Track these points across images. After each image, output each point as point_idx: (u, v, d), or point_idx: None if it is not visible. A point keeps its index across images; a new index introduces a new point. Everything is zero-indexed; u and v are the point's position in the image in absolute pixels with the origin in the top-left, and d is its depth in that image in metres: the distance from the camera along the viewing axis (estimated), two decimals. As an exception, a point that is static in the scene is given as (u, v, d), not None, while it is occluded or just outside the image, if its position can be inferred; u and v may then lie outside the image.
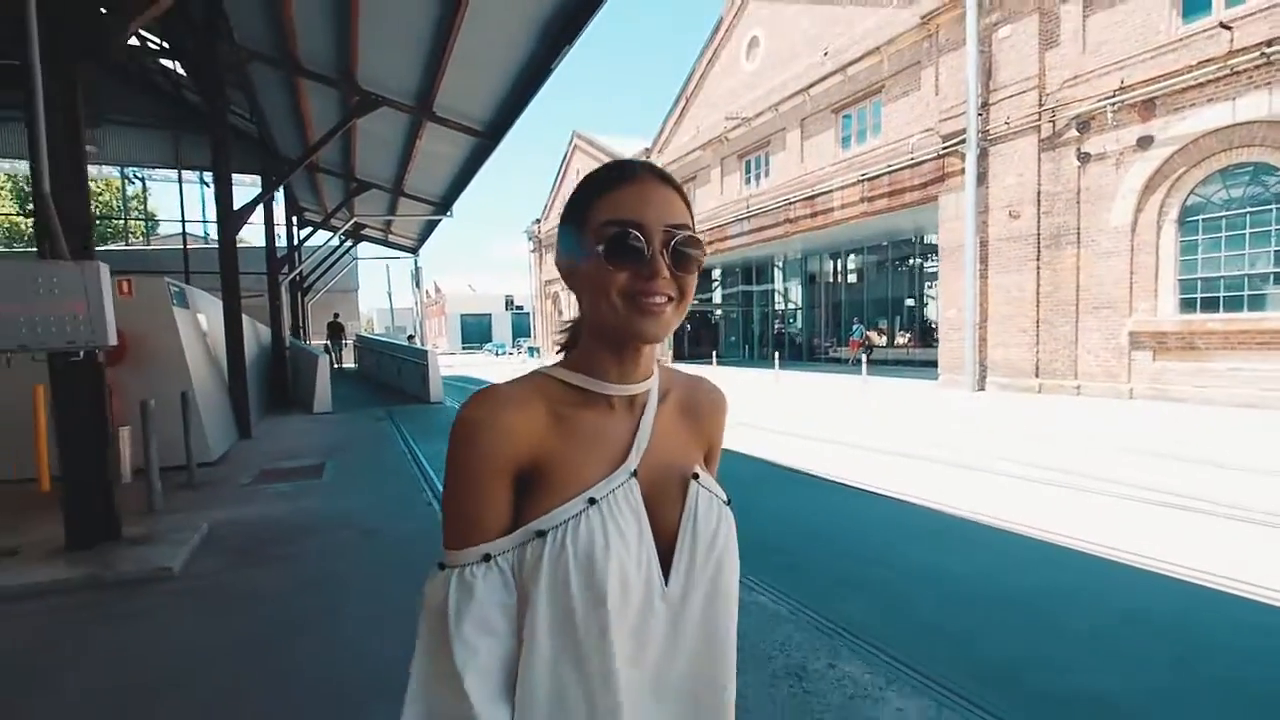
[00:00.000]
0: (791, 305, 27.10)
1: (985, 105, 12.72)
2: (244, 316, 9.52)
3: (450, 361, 32.77)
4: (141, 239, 27.16)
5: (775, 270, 27.01)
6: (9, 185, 29.78)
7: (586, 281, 0.71)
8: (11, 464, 5.89)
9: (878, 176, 15.34)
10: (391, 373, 16.54)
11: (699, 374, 0.89)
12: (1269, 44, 9.05)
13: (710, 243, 22.45)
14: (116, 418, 5.00)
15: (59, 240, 3.49)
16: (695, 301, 21.60)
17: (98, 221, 26.73)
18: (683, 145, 23.87)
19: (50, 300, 3.32)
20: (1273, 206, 9.51)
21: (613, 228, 0.68)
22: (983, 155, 12.82)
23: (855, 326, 20.75)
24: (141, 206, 29.76)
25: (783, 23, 18.68)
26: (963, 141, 12.86)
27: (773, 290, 27.53)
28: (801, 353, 25.07)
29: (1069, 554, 3.99)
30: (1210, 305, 10.26)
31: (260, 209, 12.01)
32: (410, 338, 24.12)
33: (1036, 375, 12.27)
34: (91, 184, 22.56)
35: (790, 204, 18.24)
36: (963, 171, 12.99)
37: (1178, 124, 10.18)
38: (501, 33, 7.14)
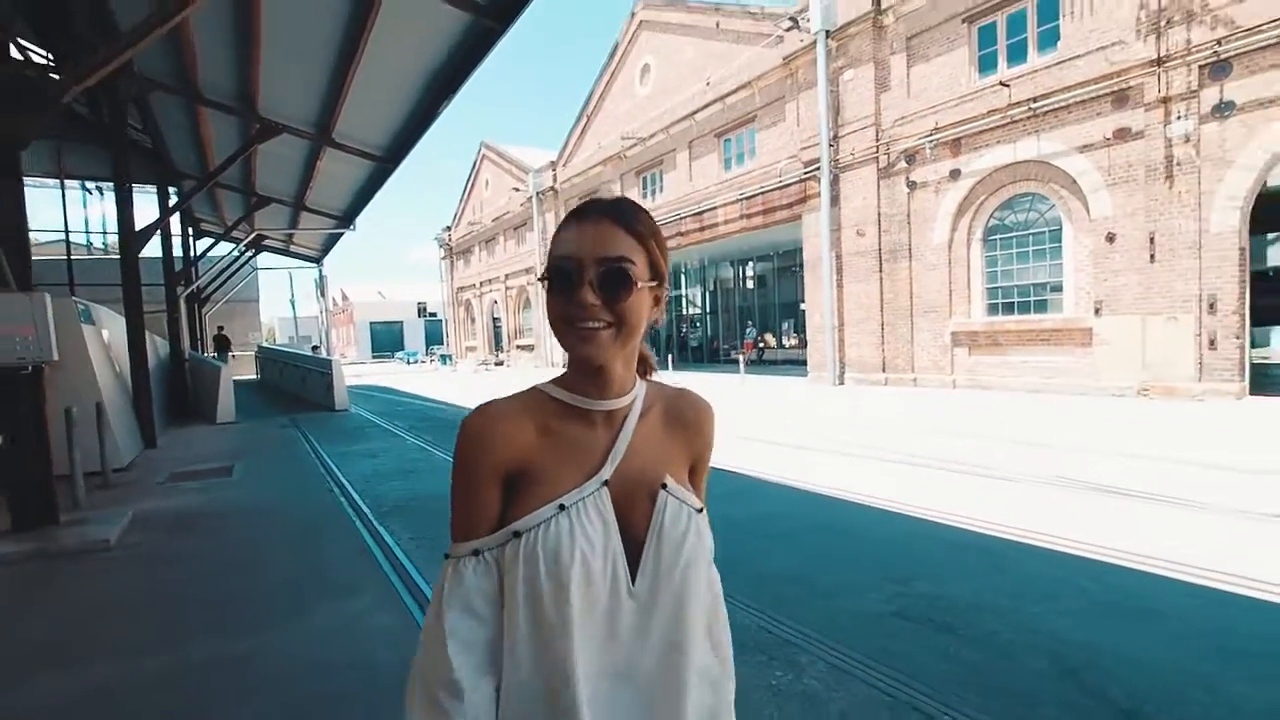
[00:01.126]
0: (695, 310, 28.89)
1: (836, 138, 14.66)
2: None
3: (359, 371, 32.53)
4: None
5: (680, 277, 28.75)
6: None
7: (548, 311, 0.81)
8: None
9: (753, 196, 17.14)
10: (296, 382, 16.86)
11: (685, 387, 0.97)
12: (1034, 100, 11.25)
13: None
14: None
15: (7, 274, 4.29)
16: None
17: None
18: (586, 160, 25.09)
19: (4, 325, 4.12)
20: (1045, 229, 11.75)
21: (554, 261, 0.79)
22: (835, 181, 14.75)
23: (749, 330, 22.63)
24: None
25: (671, 52, 20.28)
26: (819, 168, 14.75)
27: (677, 295, 29.22)
28: (702, 355, 26.81)
29: (831, 501, 5.45)
30: (1008, 309, 12.45)
31: (163, 224, 12.28)
32: (315, 348, 24.09)
33: (883, 370, 14.27)
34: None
35: (681, 219, 19.86)
36: (819, 195, 14.89)
37: (977, 160, 12.33)
38: (395, 73, 8.09)
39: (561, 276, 0.78)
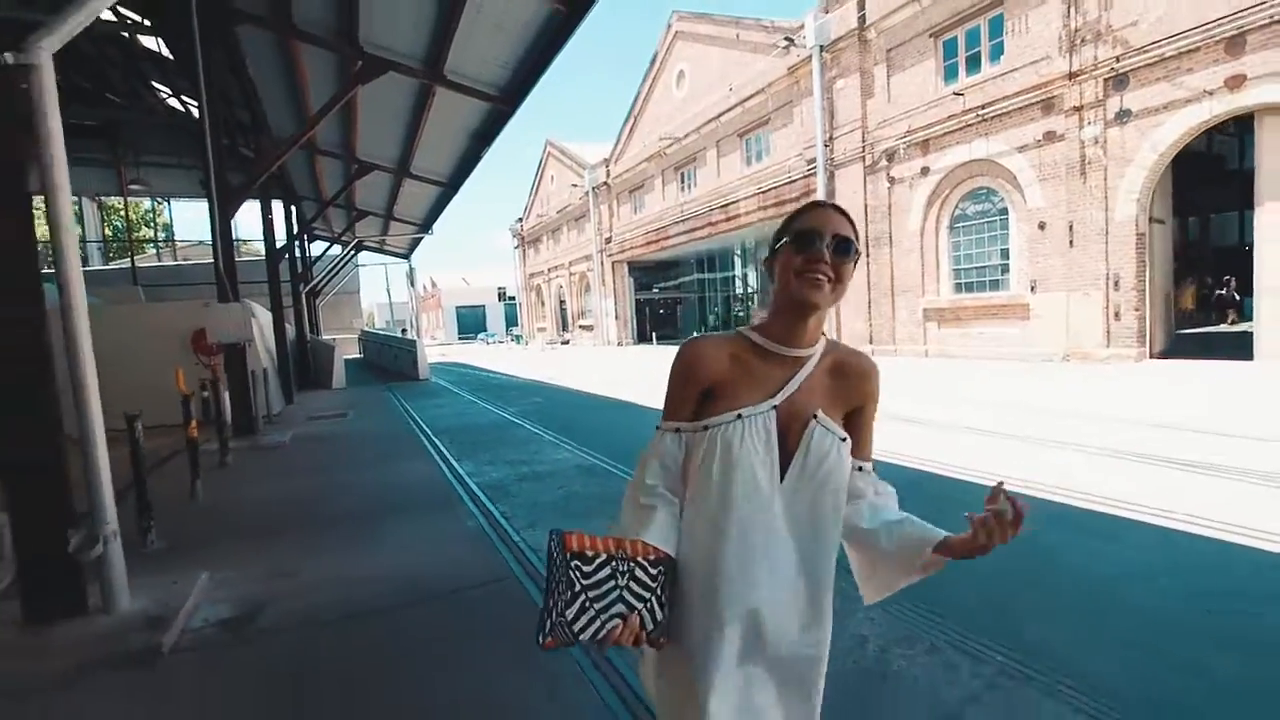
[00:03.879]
0: (751, 289, 31.12)
1: (831, 139, 16.76)
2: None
3: (444, 350, 37.03)
4: (169, 253, 31.29)
5: (735, 259, 31.04)
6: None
7: (781, 263, 1.13)
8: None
9: (767, 190, 19.43)
10: (389, 358, 20.78)
11: (858, 349, 1.26)
12: (984, 106, 13.08)
13: (656, 242, 26.61)
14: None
15: (227, 292, 7.66)
16: (657, 291, 26.13)
17: (121, 237, 30.92)
18: (634, 157, 27.81)
19: (228, 320, 7.46)
20: (996, 218, 13.59)
21: (799, 229, 1.12)
22: (831, 177, 16.87)
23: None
24: (155, 222, 33.88)
25: (702, 59, 22.61)
26: (816, 166, 16.90)
27: (733, 276, 31.55)
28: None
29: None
30: (969, 288, 14.37)
31: (285, 237, 16.14)
32: (404, 331, 28.28)
33: (871, 342, 16.41)
34: (115, 204, 26.69)
35: (711, 210, 22.34)
36: (817, 189, 17.05)
37: (942, 158, 14.23)
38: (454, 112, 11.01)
39: (806, 238, 1.10)
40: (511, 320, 60.17)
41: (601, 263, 31.60)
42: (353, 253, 24.46)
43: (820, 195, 16.88)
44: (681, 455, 1.18)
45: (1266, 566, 3.20)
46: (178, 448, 6.93)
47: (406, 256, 27.66)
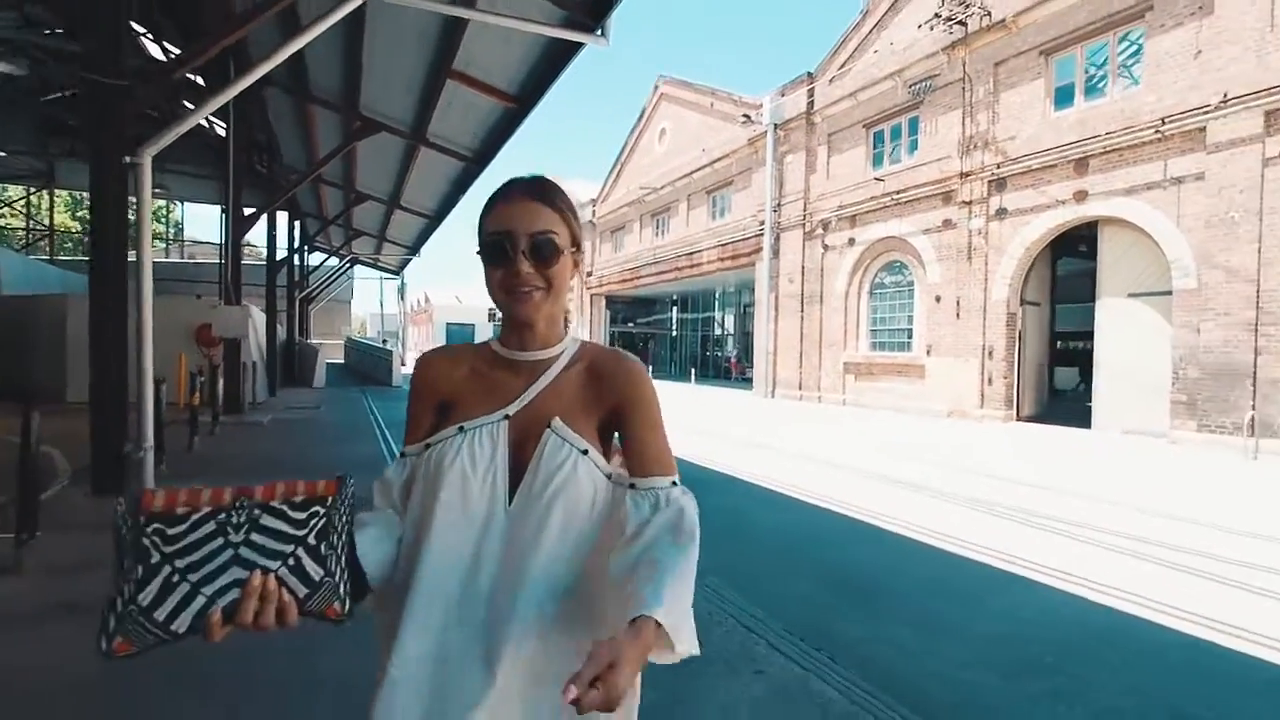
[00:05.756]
0: (727, 332, 33.02)
1: (779, 205, 18.93)
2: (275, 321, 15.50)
3: (428, 364, 38.78)
4: (176, 249, 33.15)
5: (714, 300, 33.06)
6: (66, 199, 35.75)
7: (486, 278, 0.97)
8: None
9: (726, 244, 21.55)
10: (369, 365, 22.57)
11: (620, 349, 1.07)
12: (899, 192, 15.24)
13: (630, 280, 28.67)
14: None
15: (232, 296, 9.50)
16: (633, 326, 28.36)
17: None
18: (617, 200, 30.05)
19: (231, 320, 9.27)
20: (905, 287, 15.65)
21: (488, 237, 0.95)
22: (777, 238, 19.00)
23: (733, 350, 26.90)
24: (167, 219, 35.84)
25: (681, 121, 24.97)
26: (764, 228, 19.04)
27: (711, 318, 33.57)
28: (719, 371, 31.04)
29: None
30: (882, 347, 16.36)
31: (288, 248, 18.05)
32: (384, 341, 30.10)
33: (799, 388, 18.34)
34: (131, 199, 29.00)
35: (678, 256, 24.45)
36: (763, 249, 19.17)
37: (866, 232, 16.35)
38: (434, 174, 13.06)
39: (497, 249, 0.94)
40: (498, 341, 61.91)
41: (581, 294, 33.61)
42: (347, 266, 26.41)
43: (766, 253, 19.02)
44: (399, 485, 1.03)
45: (955, 565, 5.04)
46: (177, 417, 8.68)
47: (397, 273, 29.62)
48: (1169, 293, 10.41)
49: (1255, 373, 9.27)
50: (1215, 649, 3.10)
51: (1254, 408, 9.20)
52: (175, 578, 0.70)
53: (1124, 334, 11.44)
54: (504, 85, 8.82)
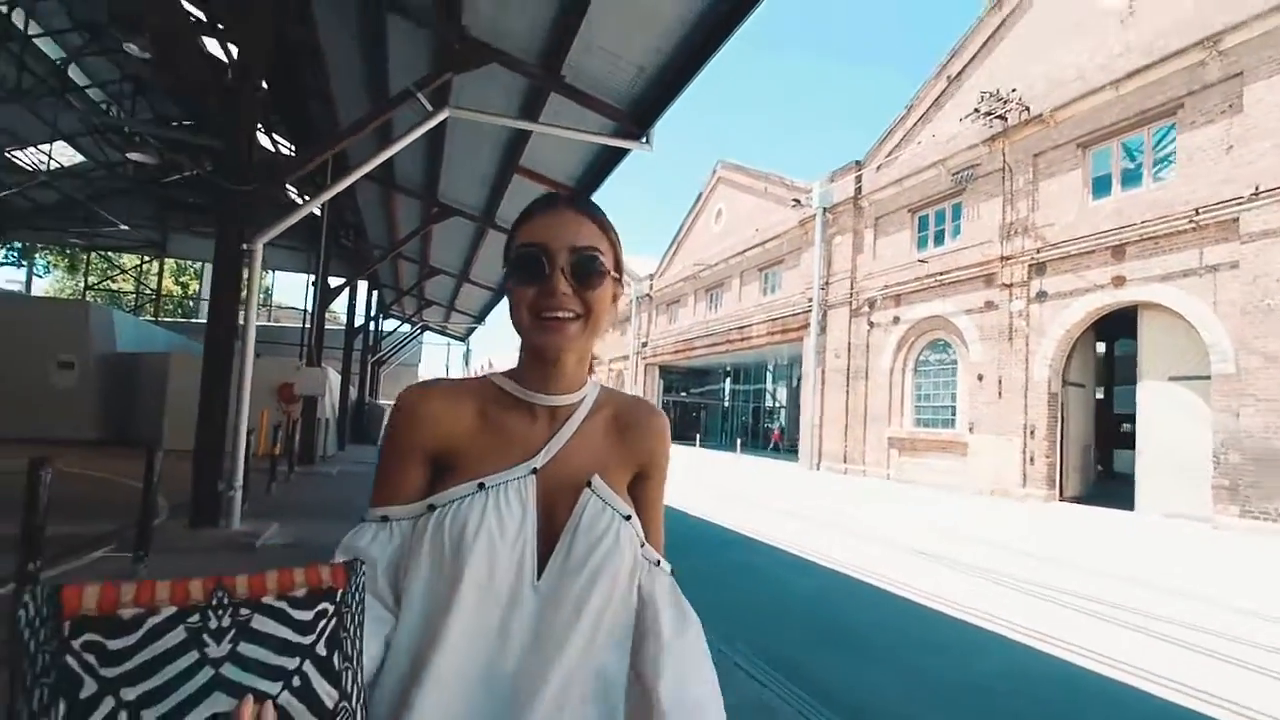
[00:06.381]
0: (779, 404, 33.26)
1: (826, 284, 19.50)
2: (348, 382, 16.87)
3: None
4: (264, 312, 36.21)
5: (767, 373, 33.48)
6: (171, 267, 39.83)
7: (510, 301, 0.80)
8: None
9: (775, 319, 22.15)
10: (432, 426, 23.83)
11: (641, 396, 0.93)
12: (942, 274, 15.60)
13: (684, 351, 29.45)
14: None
15: (314, 359, 10.68)
16: (687, 395, 29.76)
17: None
18: (674, 275, 31.29)
19: (311, 380, 10.41)
20: (950, 365, 15.76)
21: (520, 249, 0.78)
22: (823, 316, 19.48)
23: (778, 422, 27.04)
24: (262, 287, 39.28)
25: (737, 203, 26.20)
26: (813, 305, 19.57)
27: (763, 390, 33.90)
28: (765, 442, 31.11)
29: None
30: (926, 424, 16.35)
31: (365, 316, 19.72)
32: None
33: (845, 461, 18.33)
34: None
35: (729, 330, 25.15)
36: (810, 325, 19.65)
37: (910, 311, 16.67)
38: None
39: (531, 264, 0.77)
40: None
41: (636, 363, 34.58)
42: (418, 333, 28.28)
43: (813, 329, 19.48)
44: (390, 559, 0.76)
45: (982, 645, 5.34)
46: (257, 466, 9.74)
47: (464, 339, 31.39)
48: (1208, 377, 10.32)
49: (1304, 463, 9.03)
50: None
51: (1306, 500, 8.91)
52: (120, 712, 0.49)
53: (1166, 417, 11.28)
54: (564, 179, 9.94)
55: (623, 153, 8.48)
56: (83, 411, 13.22)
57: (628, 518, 0.81)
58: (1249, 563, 7.73)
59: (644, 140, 7.56)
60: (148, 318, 26.74)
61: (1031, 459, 13.29)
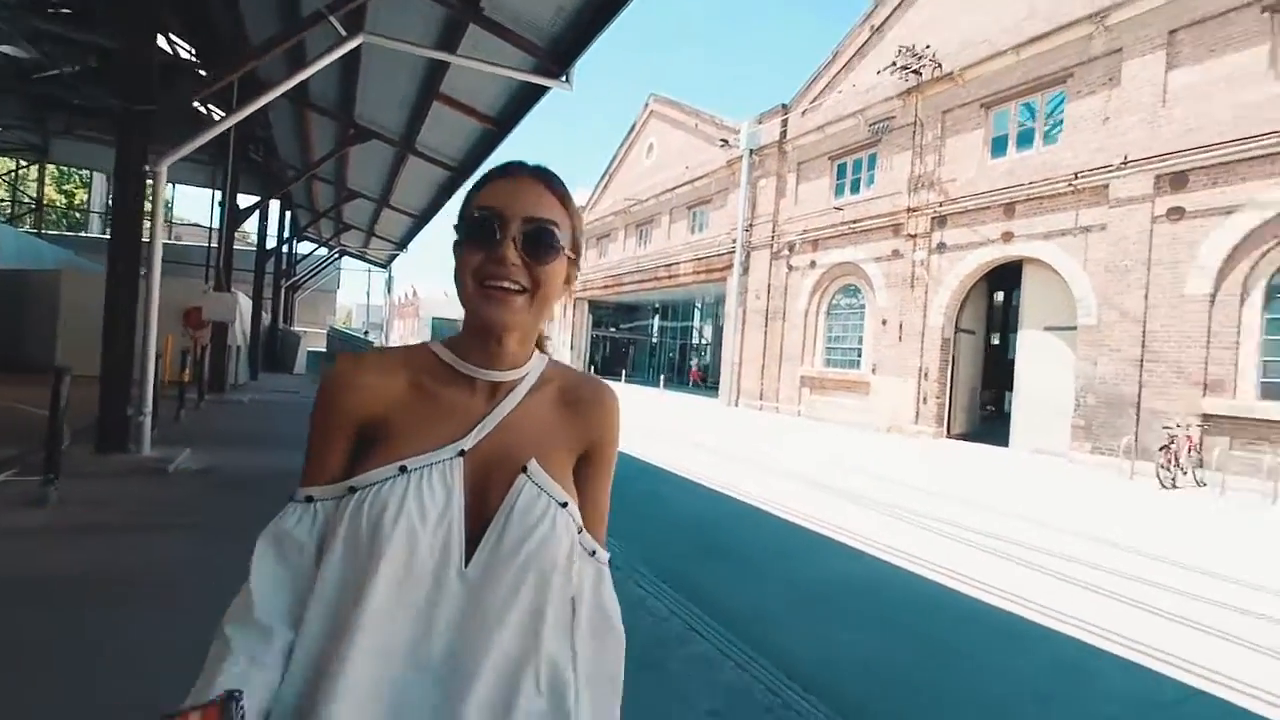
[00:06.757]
0: (706, 342, 34.05)
1: (750, 226, 20.01)
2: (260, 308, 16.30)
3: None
4: (164, 228, 33.80)
5: (695, 310, 34.08)
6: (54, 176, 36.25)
7: (456, 266, 0.76)
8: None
9: (702, 258, 22.61)
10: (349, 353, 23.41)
11: (590, 374, 0.89)
12: (855, 222, 16.35)
13: (613, 286, 29.67)
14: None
15: (223, 283, 10.37)
16: (615, 331, 30.03)
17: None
18: (605, 209, 31.10)
19: (221, 305, 10.13)
20: (859, 309, 16.76)
21: (473, 212, 0.75)
22: (747, 257, 20.07)
23: (695, 360, 28.12)
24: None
25: (668, 138, 26.06)
26: (736, 246, 20.11)
27: (691, 326, 34.58)
28: (687, 379, 32.11)
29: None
30: (834, 364, 17.45)
31: (278, 238, 18.86)
32: (365, 332, 30.90)
33: (760, 398, 19.39)
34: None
35: (657, 267, 25.49)
36: (734, 265, 20.23)
37: (825, 256, 17.46)
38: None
39: (482, 228, 0.74)
40: (483, 338, 62.63)
41: (565, 297, 34.49)
42: (335, 257, 27.20)
43: (736, 270, 20.08)
44: (315, 541, 0.75)
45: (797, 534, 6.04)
46: (165, 393, 9.55)
47: (385, 266, 30.42)
48: (1075, 328, 11.55)
49: (1139, 403, 10.41)
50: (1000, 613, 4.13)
51: (1136, 436, 10.33)
52: None
53: (1039, 363, 12.59)
54: (485, 109, 9.79)
55: (542, 91, 8.46)
56: (-40, 332, 12.36)
57: (564, 504, 0.78)
58: (1084, 491, 9.01)
59: (564, 79, 7.59)
60: (28, 229, 24.55)
61: (924, 399, 14.54)
